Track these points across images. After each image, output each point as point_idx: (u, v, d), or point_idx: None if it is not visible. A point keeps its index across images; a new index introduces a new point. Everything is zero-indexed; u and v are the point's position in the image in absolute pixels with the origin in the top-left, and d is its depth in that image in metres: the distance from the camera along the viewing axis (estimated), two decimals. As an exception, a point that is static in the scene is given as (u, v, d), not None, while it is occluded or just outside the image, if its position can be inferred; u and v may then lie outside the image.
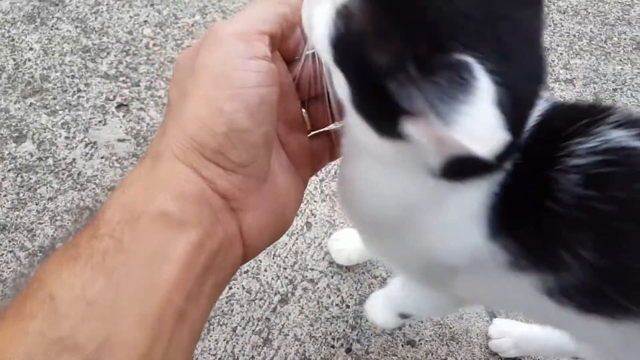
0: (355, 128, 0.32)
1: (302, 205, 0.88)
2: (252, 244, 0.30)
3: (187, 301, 0.26)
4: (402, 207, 0.36)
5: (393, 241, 0.42)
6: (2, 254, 0.78)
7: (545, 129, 0.32)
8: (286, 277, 0.81)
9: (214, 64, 0.28)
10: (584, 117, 0.33)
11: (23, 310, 0.24)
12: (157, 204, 0.26)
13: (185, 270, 0.26)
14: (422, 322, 0.80)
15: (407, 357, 0.77)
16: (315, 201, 0.89)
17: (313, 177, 0.91)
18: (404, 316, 0.71)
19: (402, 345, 0.78)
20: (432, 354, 0.78)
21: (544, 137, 0.32)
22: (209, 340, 0.75)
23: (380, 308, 0.72)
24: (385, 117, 0.28)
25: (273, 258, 0.84)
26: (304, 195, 0.87)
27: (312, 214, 0.88)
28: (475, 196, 0.33)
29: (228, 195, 0.28)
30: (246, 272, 0.82)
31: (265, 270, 0.82)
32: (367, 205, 0.39)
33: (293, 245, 0.85)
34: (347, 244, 0.79)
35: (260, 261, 0.83)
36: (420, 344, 0.79)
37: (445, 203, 0.34)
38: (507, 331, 0.79)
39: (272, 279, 0.81)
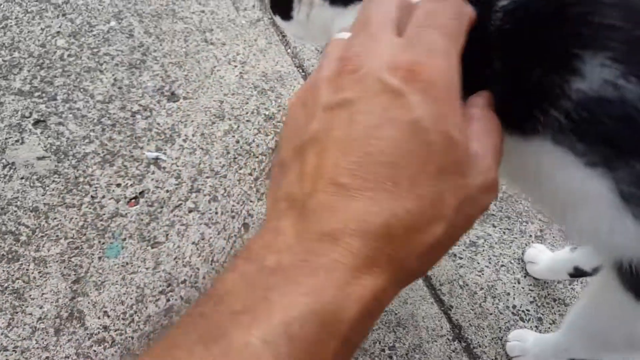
0: None
1: (237, 206, 0.86)
2: None
3: None
4: None
5: None
6: None
7: None
8: (225, 282, 0.80)
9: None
10: None
11: None
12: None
13: None
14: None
15: (353, 348, 0.77)
16: (251, 201, 0.88)
17: (247, 176, 0.90)
18: None
19: (348, 337, 0.77)
20: (379, 342, 0.78)
21: None
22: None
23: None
24: None
25: (211, 264, 0.82)
26: (240, 196, 0.85)
27: (249, 215, 0.87)
28: None
29: None
30: (184, 282, 0.80)
31: (204, 278, 0.80)
32: None
33: (231, 248, 0.83)
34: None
35: (198, 269, 0.81)
36: (365, 333, 0.78)
37: None
38: (523, 336, 0.80)
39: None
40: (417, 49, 0.26)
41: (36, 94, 0.91)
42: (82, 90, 0.92)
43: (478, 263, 0.87)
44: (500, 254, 0.88)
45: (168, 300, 0.78)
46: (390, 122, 0.24)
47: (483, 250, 0.89)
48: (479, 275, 0.87)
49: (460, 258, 0.88)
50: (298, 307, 0.21)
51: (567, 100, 0.35)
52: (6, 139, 0.87)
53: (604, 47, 0.34)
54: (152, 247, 0.82)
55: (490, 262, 0.88)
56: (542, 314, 0.85)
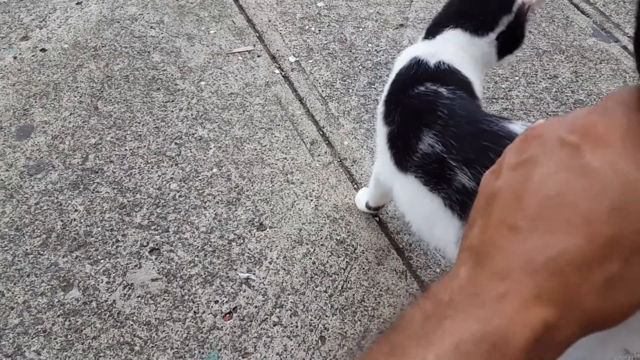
0: None
1: (315, 320, 0.98)
2: None
3: None
4: None
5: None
6: (54, 392, 0.87)
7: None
8: (307, 390, 0.88)
9: None
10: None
11: None
12: None
13: None
14: None
15: None
16: (326, 316, 1.00)
17: (322, 294, 1.03)
18: (368, 207, 1.13)
19: None
20: None
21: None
22: None
23: (359, 198, 1.15)
24: None
25: (294, 373, 0.92)
26: (316, 311, 0.98)
27: (325, 328, 0.98)
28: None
29: None
30: (270, 389, 0.89)
31: (288, 386, 0.90)
32: None
33: (310, 359, 0.94)
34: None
35: (282, 377, 0.91)
36: None
37: None
38: None
39: (295, 393, 0.88)
40: (593, 115, 0.29)
41: (152, 227, 1.13)
42: (189, 223, 1.13)
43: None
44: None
45: (257, 406, 0.87)
46: (564, 169, 0.27)
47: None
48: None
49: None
50: (468, 331, 0.25)
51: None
52: (127, 264, 1.07)
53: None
54: (243, 357, 0.94)
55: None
56: None
